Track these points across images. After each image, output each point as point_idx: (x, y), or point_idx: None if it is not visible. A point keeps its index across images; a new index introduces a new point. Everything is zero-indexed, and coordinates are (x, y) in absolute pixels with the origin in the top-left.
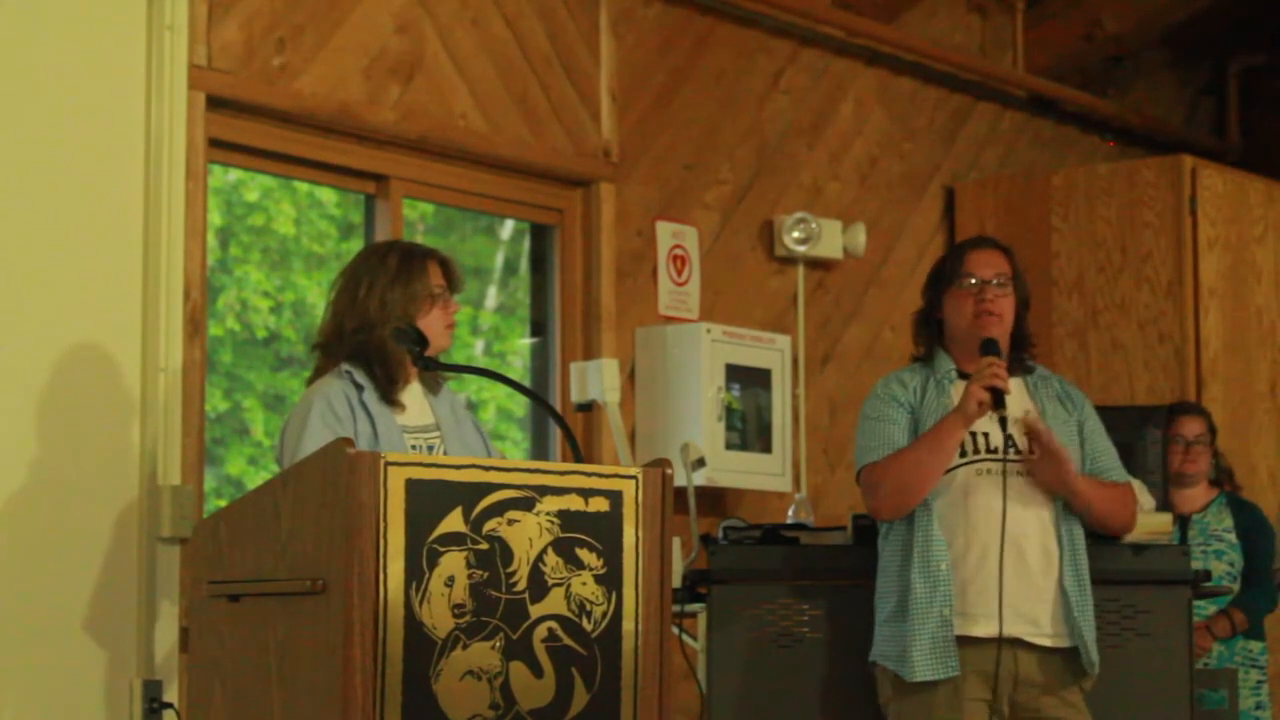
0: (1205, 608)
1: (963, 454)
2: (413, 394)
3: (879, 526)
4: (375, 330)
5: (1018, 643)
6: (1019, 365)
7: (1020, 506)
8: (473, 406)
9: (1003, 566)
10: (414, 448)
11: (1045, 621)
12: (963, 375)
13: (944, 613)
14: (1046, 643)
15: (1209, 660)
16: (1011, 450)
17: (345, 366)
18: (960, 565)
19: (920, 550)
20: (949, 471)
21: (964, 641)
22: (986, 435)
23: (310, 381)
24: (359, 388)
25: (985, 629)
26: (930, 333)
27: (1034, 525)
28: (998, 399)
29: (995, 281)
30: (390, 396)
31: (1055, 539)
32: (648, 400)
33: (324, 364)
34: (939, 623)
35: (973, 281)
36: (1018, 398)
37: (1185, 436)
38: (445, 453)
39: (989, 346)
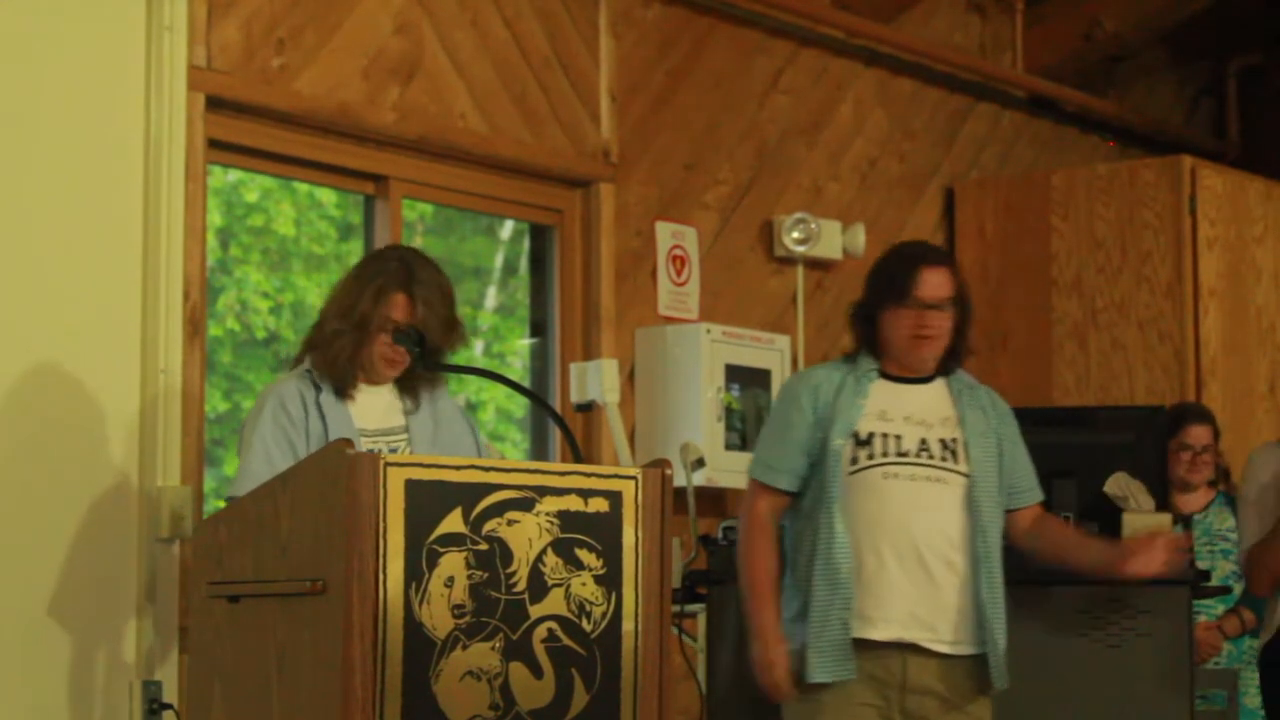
0: (1214, 607)
1: (870, 456)
2: (379, 396)
3: (783, 524)
4: (336, 337)
5: (914, 649)
6: (944, 369)
7: (927, 513)
8: (473, 408)
9: (903, 571)
10: (372, 450)
11: (945, 629)
12: (884, 375)
13: (843, 616)
14: (945, 650)
15: (1219, 660)
16: (924, 455)
17: (307, 365)
18: (862, 568)
19: (823, 551)
20: (856, 473)
21: (860, 645)
22: (899, 438)
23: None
24: (317, 388)
25: (882, 633)
26: (867, 331)
27: (939, 533)
28: None
29: (939, 306)
30: (343, 394)
31: (966, 550)
32: (647, 400)
33: (300, 358)
34: (839, 626)
35: (918, 303)
36: (939, 400)
37: (1194, 446)
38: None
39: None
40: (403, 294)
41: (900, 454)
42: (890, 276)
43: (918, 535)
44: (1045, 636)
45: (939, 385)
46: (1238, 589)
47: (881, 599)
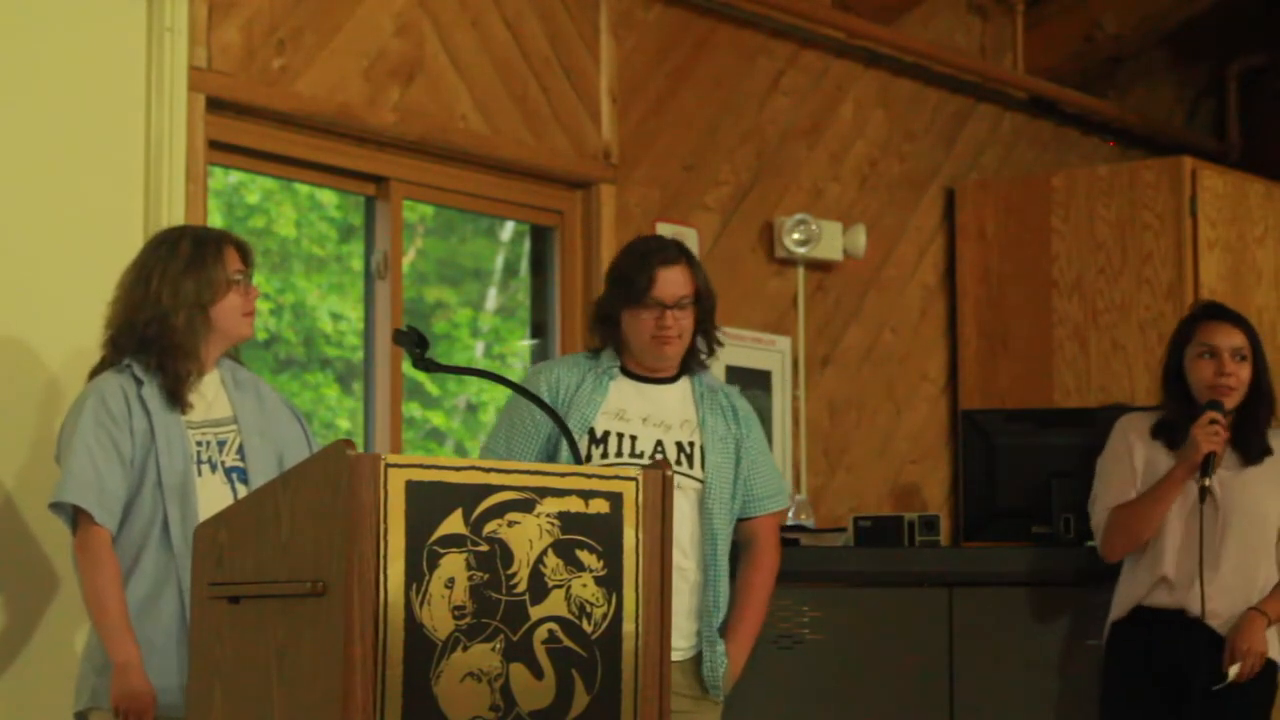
0: None
1: (604, 455)
2: (207, 387)
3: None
4: (168, 320)
5: None
6: (687, 368)
7: None
8: (473, 408)
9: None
10: (200, 444)
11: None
12: (624, 371)
13: None
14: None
15: None
16: (659, 455)
17: (127, 360)
18: None
19: None
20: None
21: None
22: (635, 439)
23: (92, 375)
24: (139, 382)
25: None
26: (608, 329)
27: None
28: (1205, 463)
29: (677, 305)
30: (177, 391)
31: (696, 555)
32: None
33: (112, 358)
34: None
35: (657, 304)
36: (681, 402)
37: None
38: (242, 447)
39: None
40: (228, 245)
41: (635, 455)
42: (628, 276)
43: None
44: (1044, 637)
45: (682, 386)
46: None
47: None
